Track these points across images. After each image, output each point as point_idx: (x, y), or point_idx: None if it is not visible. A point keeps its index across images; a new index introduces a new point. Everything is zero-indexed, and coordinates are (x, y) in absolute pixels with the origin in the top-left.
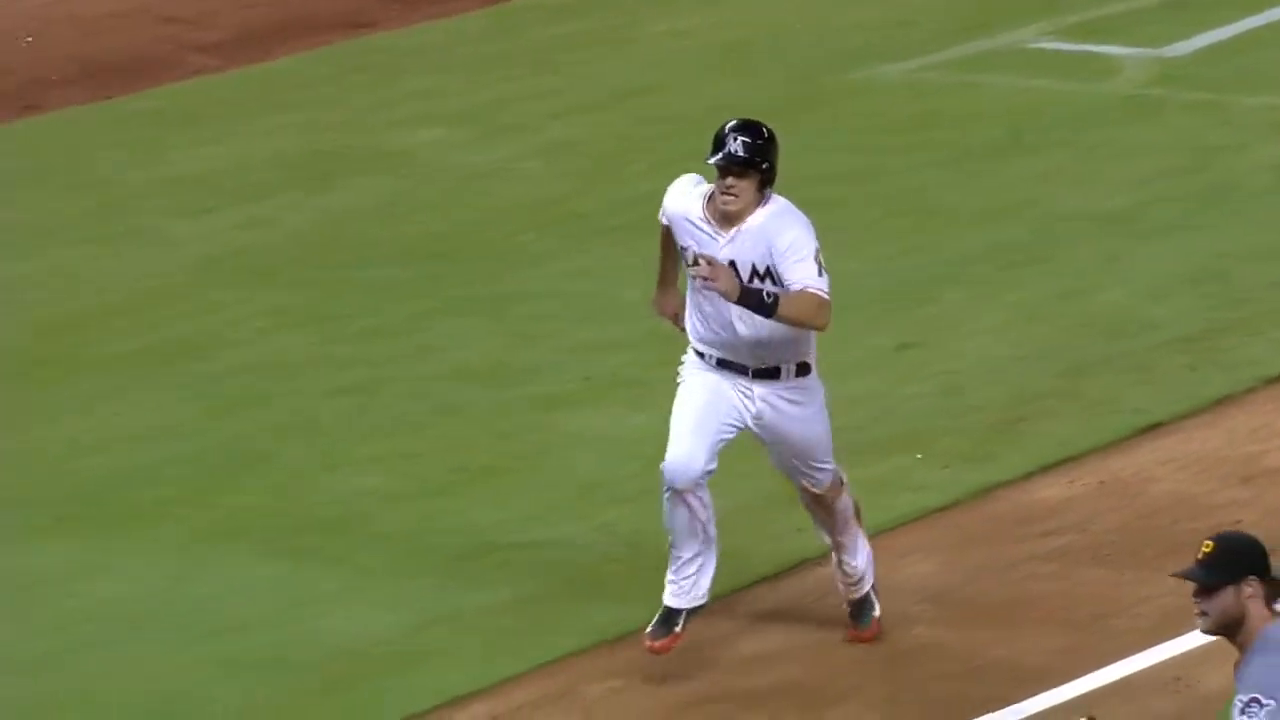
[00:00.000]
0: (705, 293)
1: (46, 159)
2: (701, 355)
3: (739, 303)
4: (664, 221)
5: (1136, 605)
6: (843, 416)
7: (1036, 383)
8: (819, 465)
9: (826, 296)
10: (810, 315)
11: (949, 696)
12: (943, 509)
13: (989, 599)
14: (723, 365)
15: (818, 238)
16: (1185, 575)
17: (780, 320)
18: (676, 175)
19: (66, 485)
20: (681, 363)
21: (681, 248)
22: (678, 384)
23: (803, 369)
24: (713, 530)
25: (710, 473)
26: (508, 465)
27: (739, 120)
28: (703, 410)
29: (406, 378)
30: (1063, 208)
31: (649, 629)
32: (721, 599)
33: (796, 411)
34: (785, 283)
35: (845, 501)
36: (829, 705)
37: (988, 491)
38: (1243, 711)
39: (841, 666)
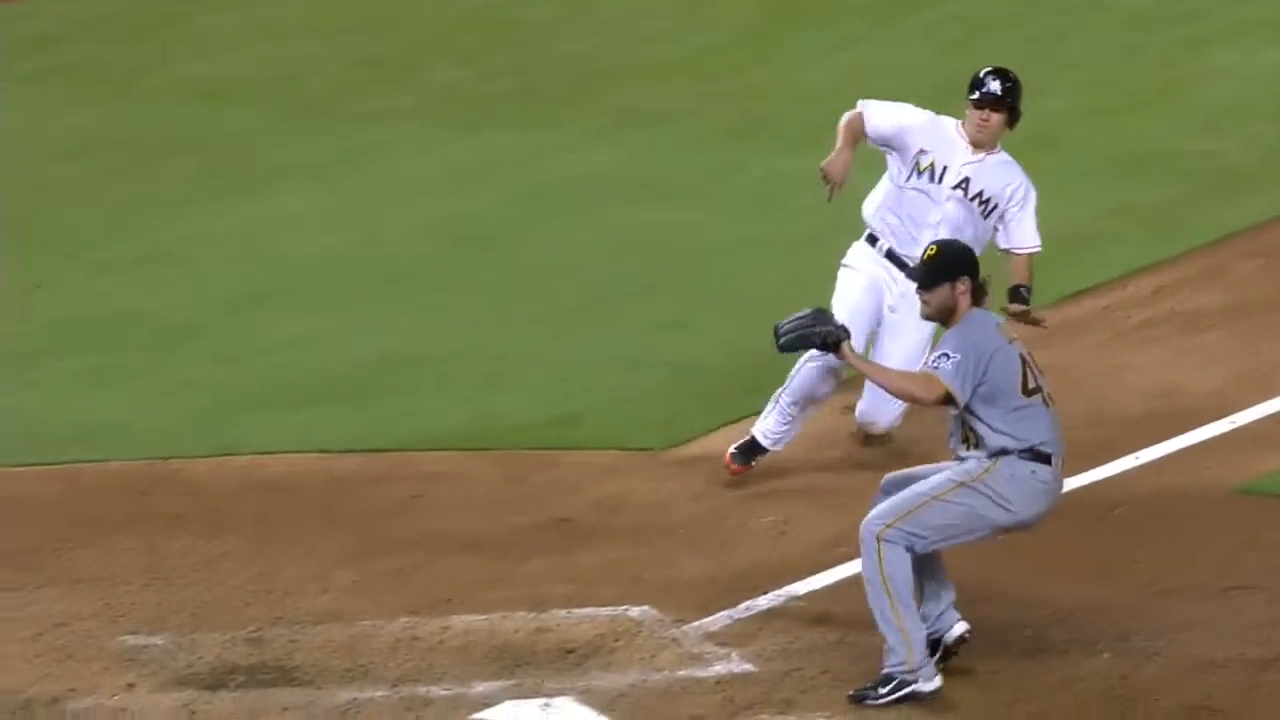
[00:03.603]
0: (917, 197)
1: None
2: (874, 242)
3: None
4: (907, 121)
5: None
6: None
7: None
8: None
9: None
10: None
11: None
12: None
13: None
14: (889, 255)
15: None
16: (909, 274)
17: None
18: None
19: (819, 114)
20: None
21: (921, 150)
22: (840, 270)
23: None
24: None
25: None
26: (1172, 92)
27: (993, 67)
28: (855, 309)
29: (1087, 26)
30: None
31: (733, 451)
32: None
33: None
34: (1009, 232)
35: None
36: None
37: None
38: (935, 363)
39: None
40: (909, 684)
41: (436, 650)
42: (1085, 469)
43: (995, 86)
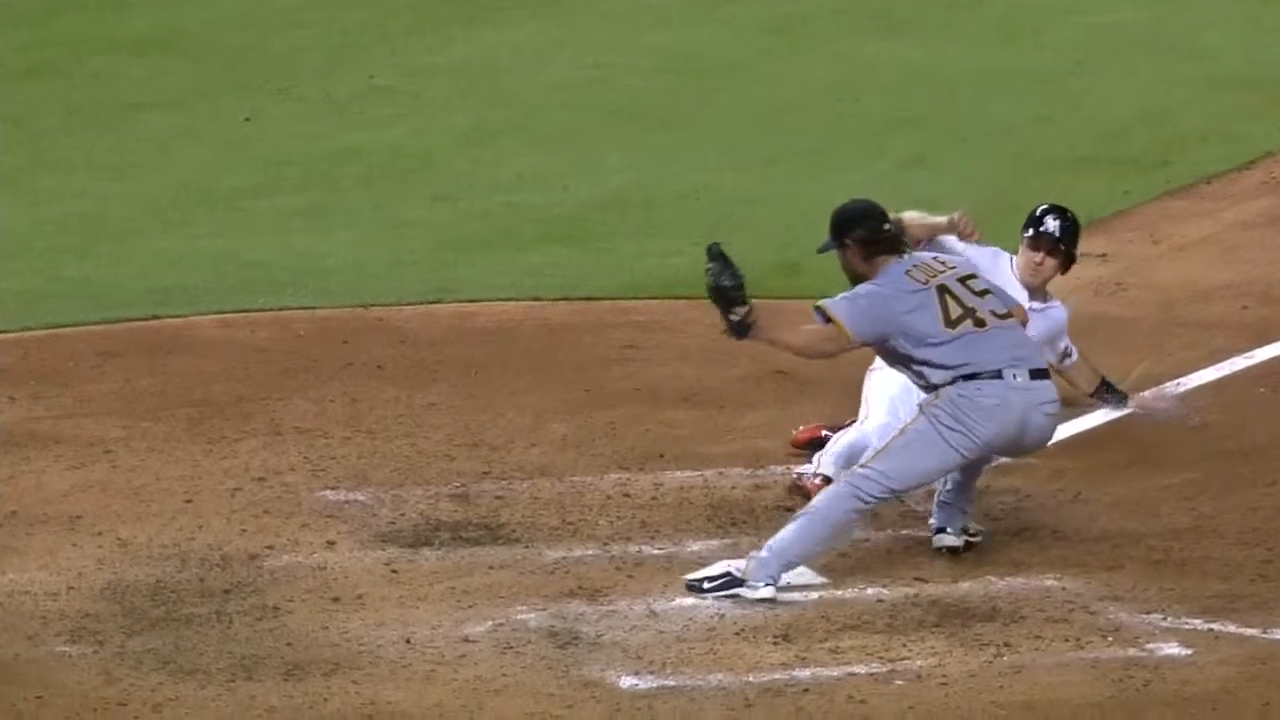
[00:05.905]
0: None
1: None
2: None
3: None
4: (980, 249)
5: None
6: None
7: None
8: None
9: None
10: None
11: None
12: None
13: None
14: None
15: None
16: (820, 249)
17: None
18: None
19: None
20: None
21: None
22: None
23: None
24: None
25: None
26: None
27: (1050, 204)
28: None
29: None
30: None
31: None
32: None
33: None
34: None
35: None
36: None
37: None
38: (829, 303)
39: None
40: (738, 584)
41: (649, 507)
42: None
43: (1053, 226)
